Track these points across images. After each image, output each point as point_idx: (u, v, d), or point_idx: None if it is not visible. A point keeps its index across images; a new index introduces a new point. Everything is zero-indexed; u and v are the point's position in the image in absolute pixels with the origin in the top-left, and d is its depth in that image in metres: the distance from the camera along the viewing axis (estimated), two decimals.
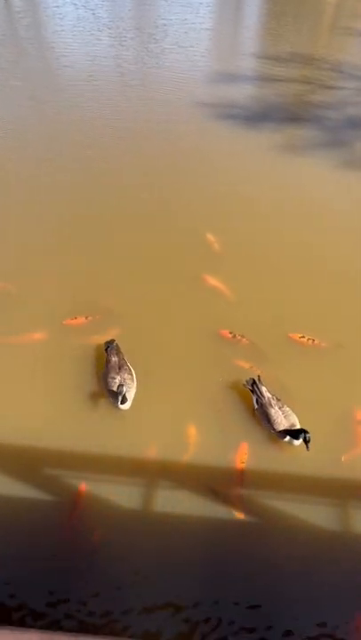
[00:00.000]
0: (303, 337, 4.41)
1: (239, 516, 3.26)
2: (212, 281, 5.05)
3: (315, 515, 3.30)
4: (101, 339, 4.39)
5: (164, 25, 15.58)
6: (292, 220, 6.23)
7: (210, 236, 5.77)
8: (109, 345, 4.19)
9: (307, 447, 3.45)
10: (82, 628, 2.72)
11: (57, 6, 17.41)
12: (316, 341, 4.39)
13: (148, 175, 7.10)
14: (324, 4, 19.74)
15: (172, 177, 7.11)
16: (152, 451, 3.60)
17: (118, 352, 4.12)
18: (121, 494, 3.34)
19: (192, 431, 3.75)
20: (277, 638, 2.75)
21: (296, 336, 4.43)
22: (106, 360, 4.08)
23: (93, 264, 5.34)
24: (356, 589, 2.95)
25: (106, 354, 4.14)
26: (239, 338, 4.42)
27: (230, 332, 4.47)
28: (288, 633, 2.77)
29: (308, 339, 4.40)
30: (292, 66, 11.91)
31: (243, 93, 10.30)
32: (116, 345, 4.20)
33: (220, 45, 14.19)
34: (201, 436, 3.70)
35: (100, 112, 9.03)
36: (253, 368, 4.20)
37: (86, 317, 4.55)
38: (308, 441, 3.44)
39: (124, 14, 17.34)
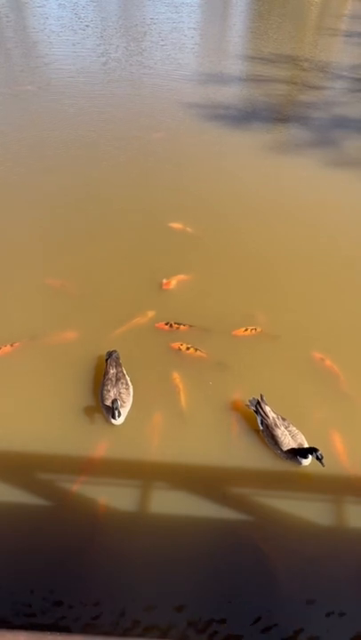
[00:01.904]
0: (246, 329, 4.49)
1: (238, 514, 3.24)
2: (174, 281, 5.04)
3: (314, 511, 3.28)
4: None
5: (150, 24, 15.55)
6: (279, 218, 6.24)
7: (183, 227, 5.86)
8: (110, 355, 4.05)
9: (322, 464, 3.29)
10: (80, 629, 2.68)
11: (41, 6, 17.27)
12: (258, 329, 4.47)
13: (134, 175, 7.07)
14: (309, 5, 19.92)
15: (157, 176, 7.07)
16: (150, 451, 3.56)
17: (118, 364, 3.97)
18: (119, 495, 3.31)
19: (176, 380, 3.95)
20: (279, 634, 2.74)
21: (240, 332, 4.45)
22: (104, 371, 3.94)
23: (81, 266, 5.30)
24: (357, 583, 2.96)
25: (105, 364, 4.00)
26: (176, 327, 4.45)
27: (166, 323, 4.47)
28: (289, 629, 2.76)
29: (252, 329, 4.47)
30: (278, 66, 11.98)
31: (229, 93, 10.33)
32: (117, 356, 4.05)
33: (206, 45, 14.20)
34: (198, 435, 3.69)
35: (85, 109, 8.98)
36: (191, 349, 4.27)
37: (12, 345, 4.28)
38: (321, 458, 3.27)
39: (109, 14, 17.27)
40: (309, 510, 3.29)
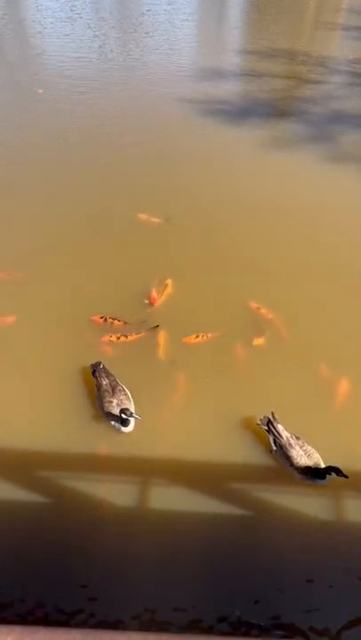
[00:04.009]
0: (197, 336, 4.36)
1: (239, 511, 3.22)
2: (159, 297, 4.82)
3: (315, 506, 3.25)
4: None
5: (146, 18, 15.34)
6: (277, 217, 6.07)
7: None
8: (96, 368, 3.94)
9: (345, 476, 3.15)
10: (79, 626, 2.67)
11: None
12: (209, 335, 4.36)
13: (128, 172, 6.91)
14: None
15: (151, 173, 6.90)
16: (150, 449, 3.53)
17: (108, 373, 3.89)
18: (120, 493, 3.30)
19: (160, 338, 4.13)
20: (280, 631, 2.71)
21: (191, 339, 4.34)
22: (96, 384, 3.83)
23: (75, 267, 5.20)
24: (356, 575, 2.94)
25: (94, 378, 3.88)
26: (110, 321, 4.42)
27: (101, 317, 4.45)
28: (290, 624, 2.73)
29: (203, 335, 4.36)
30: (275, 60, 11.81)
31: (224, 87, 10.14)
32: (103, 366, 3.97)
33: (202, 38, 14.02)
34: (198, 432, 3.64)
35: (78, 103, 8.83)
36: (122, 337, 4.27)
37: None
38: (342, 473, 3.13)
39: (102, 5, 17.05)
40: (311, 506, 3.25)
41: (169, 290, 4.85)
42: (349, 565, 2.98)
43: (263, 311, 4.53)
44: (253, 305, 4.62)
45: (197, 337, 4.35)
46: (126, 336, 4.29)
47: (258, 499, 3.29)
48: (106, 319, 4.44)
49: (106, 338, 4.28)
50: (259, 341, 4.28)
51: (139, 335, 4.32)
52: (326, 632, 2.70)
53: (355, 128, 8.55)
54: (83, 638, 1.53)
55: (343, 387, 3.97)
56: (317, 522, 3.17)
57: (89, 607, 2.76)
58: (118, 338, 4.28)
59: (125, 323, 4.44)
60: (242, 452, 3.55)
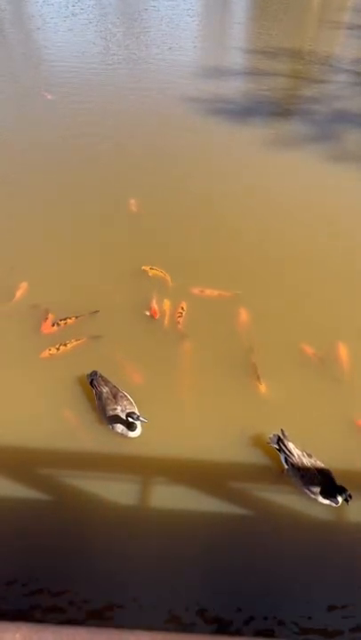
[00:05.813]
0: (181, 315, 4.45)
1: (240, 510, 3.24)
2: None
3: (312, 505, 3.26)
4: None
5: (148, 14, 15.27)
6: (278, 217, 6.07)
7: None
8: (93, 377, 3.88)
9: (347, 502, 3.12)
10: (79, 624, 2.69)
11: None
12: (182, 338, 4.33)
13: (129, 171, 6.91)
14: None
15: (152, 172, 6.90)
16: (149, 447, 3.55)
17: (106, 381, 3.85)
18: (119, 493, 3.31)
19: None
20: (279, 629, 2.73)
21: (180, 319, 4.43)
22: (96, 393, 3.77)
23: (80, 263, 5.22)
24: (357, 575, 2.96)
25: (92, 387, 3.83)
26: (63, 323, 4.30)
27: (52, 325, 4.30)
28: (290, 624, 2.74)
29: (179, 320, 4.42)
30: (278, 59, 11.74)
31: (227, 86, 10.08)
32: (100, 374, 3.91)
33: (204, 37, 13.95)
34: (197, 430, 3.65)
35: (82, 99, 8.82)
36: (61, 347, 4.15)
37: None
38: (350, 499, 3.09)
39: (107, 2, 16.96)
40: (311, 506, 3.26)
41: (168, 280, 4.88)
42: (350, 565, 3.00)
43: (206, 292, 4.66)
44: (195, 290, 4.73)
45: (181, 315, 4.43)
46: (65, 344, 4.13)
47: (258, 499, 3.30)
48: (57, 324, 4.30)
49: (45, 353, 4.08)
50: (262, 387, 3.99)
51: (79, 341, 4.20)
52: (326, 632, 2.71)
53: (357, 127, 8.53)
54: (90, 637, 1.55)
55: (346, 384, 4.00)
56: (317, 522, 3.18)
57: (89, 607, 2.76)
58: (58, 349, 4.11)
59: (77, 317, 4.36)
60: (242, 451, 3.55)
